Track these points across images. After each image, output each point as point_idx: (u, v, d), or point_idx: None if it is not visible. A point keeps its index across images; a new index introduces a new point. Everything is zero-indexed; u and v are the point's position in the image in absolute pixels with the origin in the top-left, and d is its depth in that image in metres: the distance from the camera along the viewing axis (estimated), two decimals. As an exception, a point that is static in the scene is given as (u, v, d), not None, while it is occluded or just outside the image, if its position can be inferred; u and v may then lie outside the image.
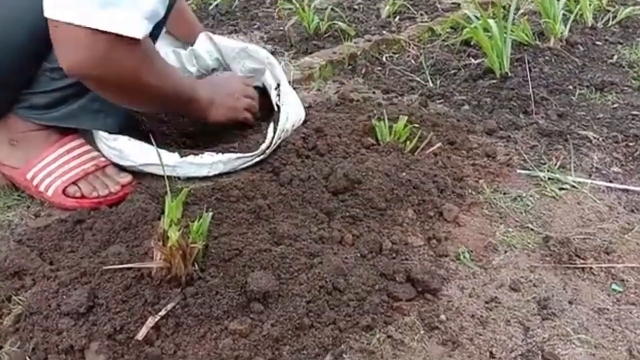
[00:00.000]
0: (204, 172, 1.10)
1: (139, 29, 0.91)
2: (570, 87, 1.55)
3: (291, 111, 1.19)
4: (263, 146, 1.12)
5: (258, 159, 1.13)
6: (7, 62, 1.00)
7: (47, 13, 0.89)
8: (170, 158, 1.09)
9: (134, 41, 0.92)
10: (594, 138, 1.31)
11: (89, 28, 0.88)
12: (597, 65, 1.67)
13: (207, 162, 1.10)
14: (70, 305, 0.81)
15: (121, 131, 1.11)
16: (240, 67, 1.35)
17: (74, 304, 0.81)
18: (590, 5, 1.92)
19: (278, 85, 1.25)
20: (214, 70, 1.37)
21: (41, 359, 0.78)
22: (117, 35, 0.89)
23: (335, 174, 1.07)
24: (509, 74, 1.56)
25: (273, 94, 1.25)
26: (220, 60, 1.37)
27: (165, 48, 1.34)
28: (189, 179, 1.11)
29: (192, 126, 1.28)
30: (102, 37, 0.89)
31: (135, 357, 0.77)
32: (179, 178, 1.10)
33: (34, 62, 1.03)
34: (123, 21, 0.89)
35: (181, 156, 1.09)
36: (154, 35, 1.03)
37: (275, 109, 1.21)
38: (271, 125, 1.15)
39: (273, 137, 1.13)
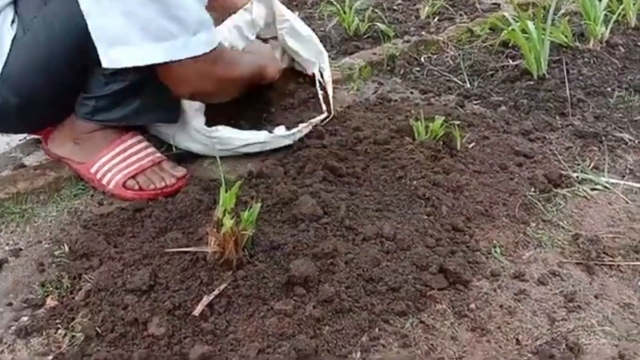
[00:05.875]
0: (289, 142, 1.24)
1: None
2: (609, 89, 1.56)
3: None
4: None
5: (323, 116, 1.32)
6: (63, 60, 1.09)
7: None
8: (261, 136, 1.22)
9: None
10: (630, 140, 1.33)
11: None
12: (638, 66, 1.67)
13: (289, 134, 1.23)
14: (135, 284, 0.91)
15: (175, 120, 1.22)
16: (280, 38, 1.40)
17: (137, 282, 0.91)
18: (634, 5, 1.91)
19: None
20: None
21: (109, 329, 0.88)
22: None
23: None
24: (547, 76, 1.59)
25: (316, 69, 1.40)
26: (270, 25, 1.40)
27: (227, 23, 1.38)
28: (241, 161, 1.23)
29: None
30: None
31: (192, 331, 0.86)
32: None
33: (86, 58, 1.09)
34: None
35: (270, 132, 1.22)
36: None
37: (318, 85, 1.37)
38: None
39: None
